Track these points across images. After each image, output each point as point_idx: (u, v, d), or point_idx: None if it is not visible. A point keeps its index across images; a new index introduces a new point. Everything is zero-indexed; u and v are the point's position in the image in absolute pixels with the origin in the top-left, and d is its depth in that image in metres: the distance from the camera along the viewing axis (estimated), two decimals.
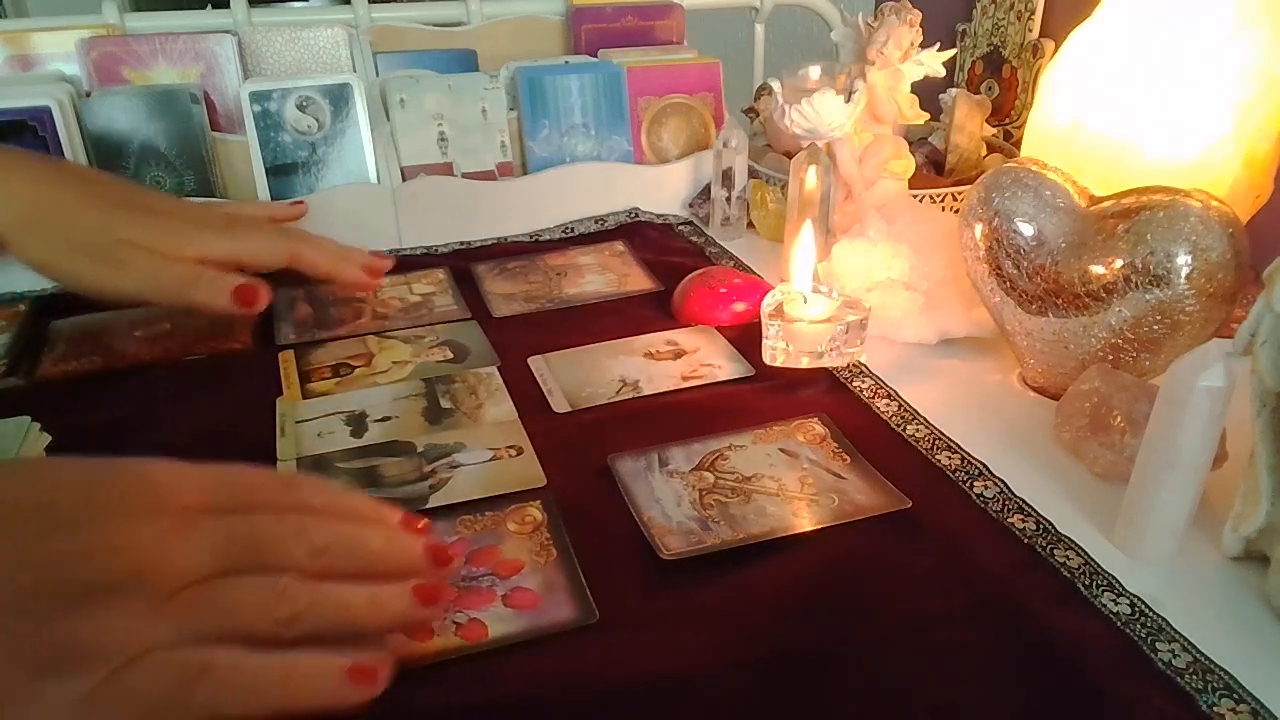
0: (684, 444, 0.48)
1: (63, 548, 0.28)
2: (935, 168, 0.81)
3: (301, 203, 0.70)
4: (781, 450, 0.47)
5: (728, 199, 0.80)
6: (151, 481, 0.31)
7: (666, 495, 0.44)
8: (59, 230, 0.52)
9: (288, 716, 0.30)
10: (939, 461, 0.48)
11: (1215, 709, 0.33)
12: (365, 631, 0.33)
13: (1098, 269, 0.48)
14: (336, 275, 0.61)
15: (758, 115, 0.92)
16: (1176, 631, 0.36)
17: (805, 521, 0.42)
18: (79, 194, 0.53)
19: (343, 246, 0.62)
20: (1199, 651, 0.35)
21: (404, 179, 0.79)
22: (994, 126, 0.88)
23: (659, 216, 0.85)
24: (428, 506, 0.44)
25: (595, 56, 0.90)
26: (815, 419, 0.50)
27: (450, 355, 0.59)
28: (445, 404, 0.53)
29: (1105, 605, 0.38)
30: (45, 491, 0.30)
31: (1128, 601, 0.38)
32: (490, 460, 0.47)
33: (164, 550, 0.29)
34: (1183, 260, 0.45)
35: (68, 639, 0.27)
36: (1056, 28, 0.87)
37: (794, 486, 0.45)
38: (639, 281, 0.70)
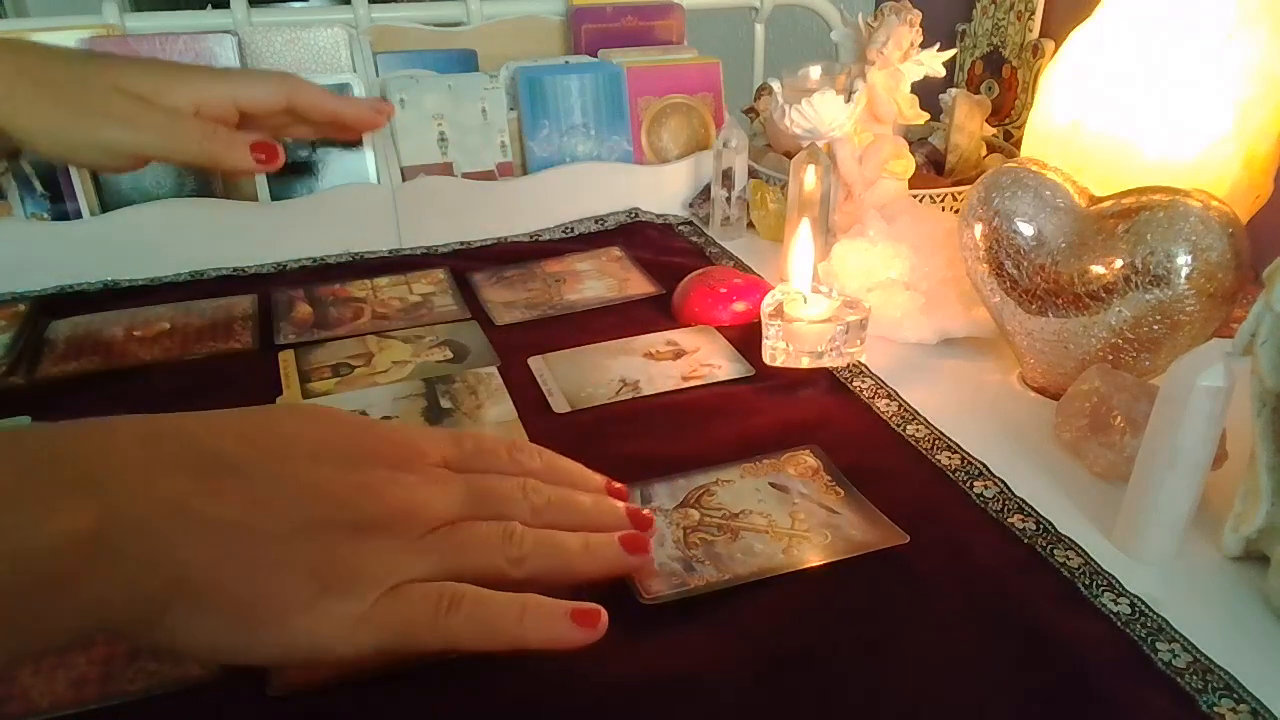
0: (668, 480, 0.46)
1: (341, 480, 0.33)
2: (935, 168, 0.81)
3: (389, 106, 0.62)
4: (771, 484, 0.45)
5: (728, 199, 0.80)
6: (410, 439, 0.36)
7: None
8: (50, 93, 0.49)
9: (517, 651, 0.33)
10: (939, 461, 0.48)
11: (1215, 709, 0.33)
12: (580, 575, 0.36)
13: (1098, 269, 0.48)
14: (341, 113, 0.56)
15: (758, 115, 0.92)
16: (1176, 631, 0.36)
17: (796, 560, 0.40)
18: (60, 55, 0.51)
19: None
20: (1199, 651, 0.35)
21: (404, 179, 0.79)
22: (994, 126, 0.88)
23: (659, 216, 0.85)
24: None
25: (595, 56, 0.90)
26: (807, 450, 0.48)
27: (450, 355, 0.59)
28: (445, 404, 0.53)
29: (1105, 605, 0.38)
30: (325, 430, 0.34)
31: (1128, 601, 0.38)
32: None
33: (419, 497, 0.34)
34: (1183, 260, 0.45)
35: (347, 563, 0.31)
36: (1056, 28, 0.87)
37: (785, 522, 0.43)
38: (639, 285, 0.70)
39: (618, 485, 0.41)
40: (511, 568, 0.34)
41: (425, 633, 0.32)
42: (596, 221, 0.83)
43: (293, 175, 0.77)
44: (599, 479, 0.41)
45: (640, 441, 0.49)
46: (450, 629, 0.32)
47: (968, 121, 0.79)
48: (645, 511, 0.40)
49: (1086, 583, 0.39)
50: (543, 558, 0.35)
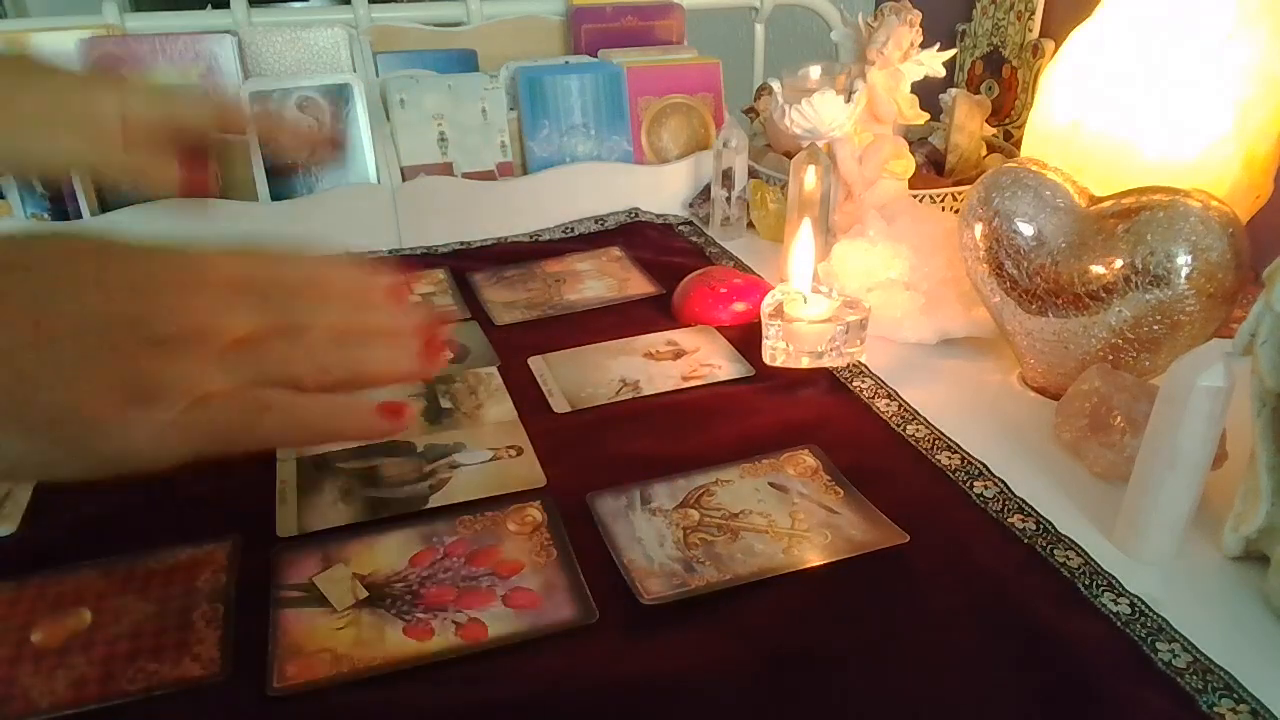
0: (667, 480, 0.46)
1: (137, 305, 0.34)
2: (935, 168, 0.81)
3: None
4: (771, 484, 0.45)
5: (728, 199, 0.80)
6: (196, 260, 0.37)
7: (649, 535, 0.42)
8: None
9: (329, 441, 0.36)
10: (939, 461, 0.48)
11: (1215, 709, 0.33)
12: (382, 380, 0.38)
13: (1098, 269, 0.48)
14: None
15: (758, 115, 0.92)
16: (1176, 631, 0.36)
17: (797, 560, 0.40)
18: None
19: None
20: (1199, 651, 0.35)
21: (404, 179, 0.79)
22: (994, 126, 0.88)
23: (659, 216, 0.85)
24: (428, 507, 0.44)
25: (595, 56, 0.90)
26: (806, 450, 0.48)
27: (450, 355, 0.59)
28: (445, 404, 0.53)
29: (1105, 605, 0.38)
30: (105, 258, 0.35)
31: (1128, 601, 0.38)
32: (490, 460, 0.47)
33: (215, 315, 0.35)
34: (1183, 260, 0.45)
35: (151, 374, 0.33)
36: (1056, 28, 0.87)
37: (784, 522, 0.42)
38: (639, 285, 0.70)
39: (401, 290, 0.42)
40: (319, 375, 0.36)
41: (239, 434, 0.34)
42: (596, 221, 0.83)
43: (293, 174, 0.77)
44: (381, 284, 0.41)
45: (640, 441, 0.49)
46: (263, 428, 0.34)
47: (968, 121, 0.79)
48: (438, 323, 0.41)
49: (1086, 583, 0.39)
50: (343, 367, 0.37)
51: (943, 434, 0.50)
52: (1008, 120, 0.92)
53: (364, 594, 0.38)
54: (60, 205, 0.72)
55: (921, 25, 0.68)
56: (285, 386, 0.35)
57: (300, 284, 0.38)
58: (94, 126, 0.49)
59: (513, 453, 0.48)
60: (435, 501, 0.44)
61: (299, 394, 0.35)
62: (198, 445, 0.33)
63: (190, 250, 0.38)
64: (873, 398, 0.54)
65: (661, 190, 0.86)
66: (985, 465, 0.47)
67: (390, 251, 0.78)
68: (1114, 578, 0.39)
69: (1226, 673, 0.34)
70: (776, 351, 0.56)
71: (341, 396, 0.36)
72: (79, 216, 0.72)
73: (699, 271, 0.66)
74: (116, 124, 0.49)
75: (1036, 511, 0.43)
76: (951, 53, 0.70)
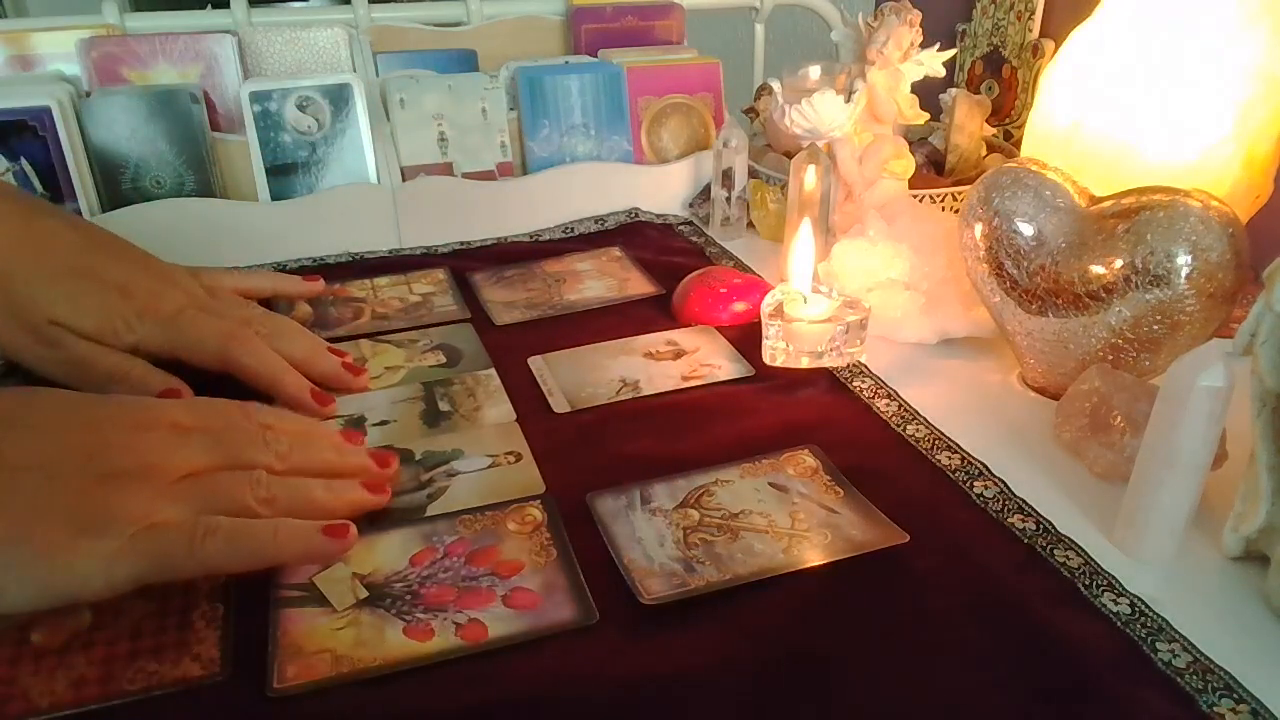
0: (667, 480, 0.45)
1: (91, 441, 0.36)
2: (935, 168, 0.81)
3: (318, 278, 0.65)
4: (771, 484, 0.45)
5: (728, 199, 0.80)
6: (150, 404, 0.41)
7: (649, 535, 0.42)
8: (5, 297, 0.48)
9: (277, 565, 0.38)
10: (939, 461, 0.48)
11: (1215, 709, 0.33)
12: (326, 514, 0.39)
13: (1098, 269, 0.48)
14: (276, 392, 0.51)
15: (758, 115, 0.92)
16: (1176, 631, 0.36)
17: (797, 559, 0.40)
18: (31, 257, 0.48)
19: (308, 346, 0.54)
20: (1199, 651, 0.35)
21: (404, 179, 0.79)
22: (994, 126, 0.88)
23: (659, 216, 0.85)
24: (426, 516, 0.43)
25: (595, 56, 0.90)
26: (806, 450, 0.48)
27: (443, 359, 0.59)
28: (444, 407, 0.53)
29: (1105, 605, 0.38)
30: (65, 404, 0.38)
31: (1128, 601, 0.38)
32: (489, 467, 0.47)
33: (165, 451, 0.37)
34: (1183, 260, 0.45)
35: (99, 506, 0.34)
36: (1056, 28, 0.87)
37: (785, 522, 0.42)
38: (639, 285, 0.70)
39: (357, 436, 0.46)
40: (262, 508, 0.38)
41: (183, 560, 0.35)
42: (596, 221, 0.83)
43: (292, 174, 0.77)
44: (334, 430, 0.45)
45: (640, 441, 0.49)
46: (208, 554, 0.35)
47: (968, 121, 0.79)
48: (387, 454, 0.45)
49: (1086, 583, 0.39)
50: (290, 499, 0.39)
51: (943, 434, 0.50)
52: (1008, 120, 0.92)
53: (364, 594, 0.38)
54: (60, 205, 0.72)
55: (921, 25, 0.68)
56: (233, 516, 0.37)
57: (251, 429, 0.41)
58: (92, 368, 0.50)
59: (511, 459, 0.48)
60: (433, 510, 0.44)
61: (246, 519, 0.37)
62: (140, 571, 0.34)
63: (137, 397, 0.42)
64: (873, 398, 0.54)
65: (661, 190, 0.86)
66: (985, 465, 0.47)
67: (390, 251, 0.78)
68: (1114, 578, 0.39)
69: (1226, 673, 0.34)
70: (776, 351, 0.56)
71: (288, 519, 0.38)
72: (77, 214, 0.72)
73: (699, 271, 0.66)
74: (120, 366, 0.51)
75: (1036, 511, 0.43)
76: (951, 53, 0.70)
